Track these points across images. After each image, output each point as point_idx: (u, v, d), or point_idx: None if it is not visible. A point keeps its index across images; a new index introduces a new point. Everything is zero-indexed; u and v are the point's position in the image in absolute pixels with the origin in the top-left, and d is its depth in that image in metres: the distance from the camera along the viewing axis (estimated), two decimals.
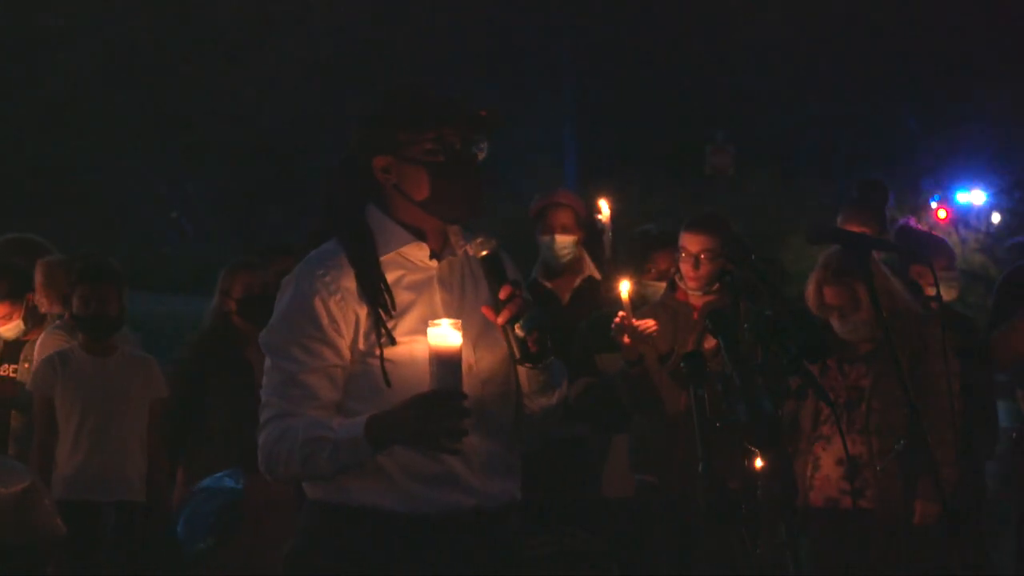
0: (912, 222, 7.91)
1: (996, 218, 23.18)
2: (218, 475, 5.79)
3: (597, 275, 6.51)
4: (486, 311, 3.28)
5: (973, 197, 22.97)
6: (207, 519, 5.63)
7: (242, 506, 5.64)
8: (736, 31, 24.48)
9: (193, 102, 25.09)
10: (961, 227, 21.97)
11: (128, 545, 5.73)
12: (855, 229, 6.04)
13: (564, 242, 6.42)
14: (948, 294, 6.12)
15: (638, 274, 6.19)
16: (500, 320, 3.26)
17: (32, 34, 24.73)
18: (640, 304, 5.89)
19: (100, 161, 24.74)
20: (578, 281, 6.48)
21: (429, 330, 3.15)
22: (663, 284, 5.90)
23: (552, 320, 6.50)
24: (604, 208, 7.01)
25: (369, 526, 3.21)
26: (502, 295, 3.26)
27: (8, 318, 6.24)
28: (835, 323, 5.51)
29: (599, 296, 6.32)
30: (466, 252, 3.37)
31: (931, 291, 5.89)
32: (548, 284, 6.48)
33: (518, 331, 3.26)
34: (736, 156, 23.77)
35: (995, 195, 23.53)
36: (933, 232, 7.18)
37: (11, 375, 6.22)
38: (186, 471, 6.08)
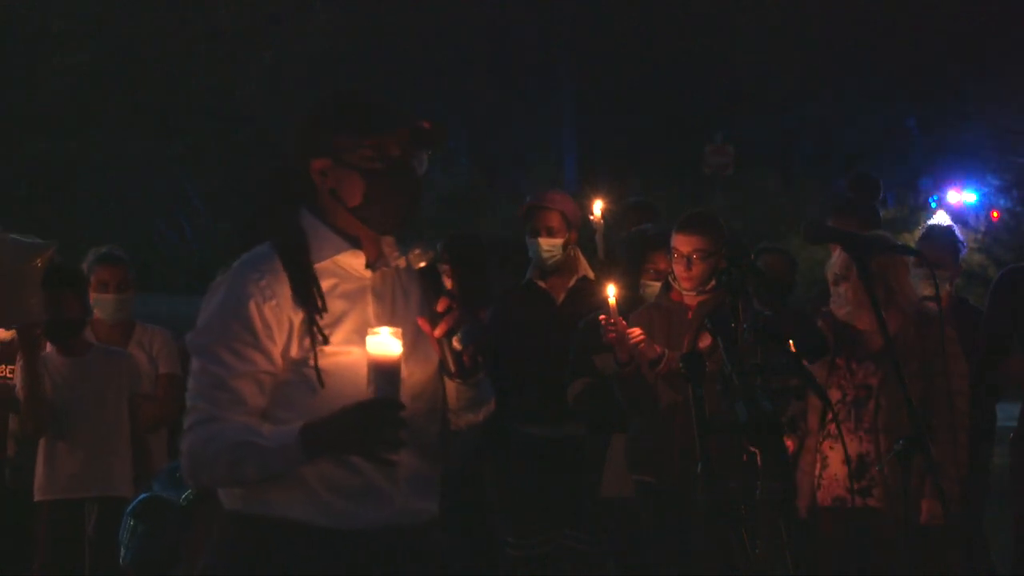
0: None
1: (995, 217, 23.20)
2: (164, 472, 5.65)
3: (592, 275, 6.50)
4: (422, 323, 3.21)
5: (965, 197, 22.99)
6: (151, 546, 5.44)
7: (183, 523, 5.39)
8: (735, 31, 24.50)
9: (193, 102, 25.09)
10: (959, 227, 21.98)
11: (112, 541, 5.71)
12: (844, 227, 6.04)
13: (549, 245, 6.40)
14: (928, 289, 6.06)
15: (636, 274, 6.18)
16: (437, 332, 3.18)
17: (32, 34, 24.71)
18: (637, 305, 5.89)
19: (100, 161, 24.73)
20: (572, 281, 6.46)
21: (368, 338, 3.08)
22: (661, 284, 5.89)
23: (549, 319, 6.46)
24: (596, 208, 6.99)
25: (287, 538, 3.14)
26: (440, 307, 3.19)
27: None
28: (831, 290, 5.59)
29: (594, 296, 6.30)
30: (398, 265, 3.30)
31: (931, 291, 5.88)
32: (542, 284, 6.48)
33: (455, 344, 3.18)
34: (735, 156, 23.77)
35: (992, 194, 23.54)
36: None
37: (8, 376, 6.21)
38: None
